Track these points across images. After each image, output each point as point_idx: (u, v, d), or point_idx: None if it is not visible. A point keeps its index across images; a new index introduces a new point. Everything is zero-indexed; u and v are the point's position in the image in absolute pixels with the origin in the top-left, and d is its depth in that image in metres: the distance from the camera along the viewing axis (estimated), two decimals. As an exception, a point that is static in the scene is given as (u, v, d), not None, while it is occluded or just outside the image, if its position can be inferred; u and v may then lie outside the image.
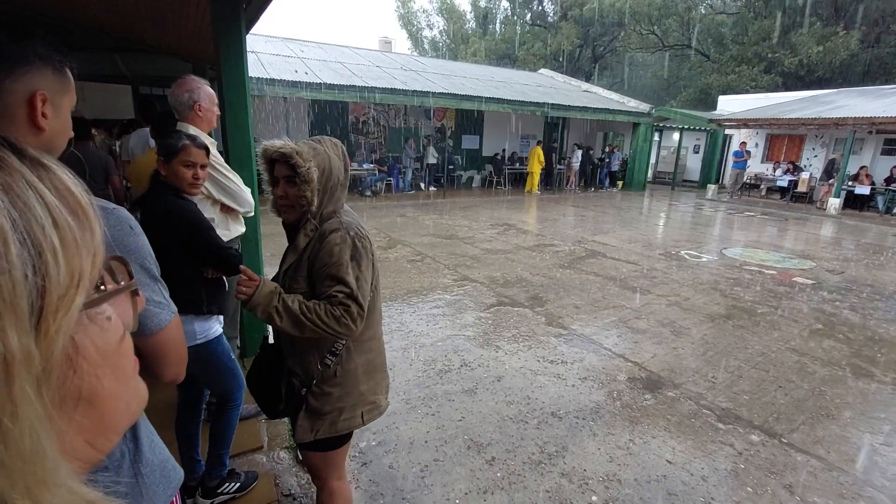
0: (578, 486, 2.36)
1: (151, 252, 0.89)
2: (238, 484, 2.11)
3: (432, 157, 13.90)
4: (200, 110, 2.39)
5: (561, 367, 3.57)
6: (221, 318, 2.00)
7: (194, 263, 1.85)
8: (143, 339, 0.86)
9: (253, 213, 2.84)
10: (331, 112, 12.86)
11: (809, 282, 6.06)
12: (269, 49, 11.54)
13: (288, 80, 9.68)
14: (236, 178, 2.47)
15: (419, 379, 3.31)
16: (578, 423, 2.88)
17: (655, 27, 27.91)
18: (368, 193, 12.34)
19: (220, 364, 1.95)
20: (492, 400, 3.08)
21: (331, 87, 10.20)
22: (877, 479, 2.51)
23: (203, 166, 1.87)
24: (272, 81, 9.50)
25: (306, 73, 10.37)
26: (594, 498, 2.28)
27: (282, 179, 1.42)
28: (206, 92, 2.39)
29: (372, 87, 10.70)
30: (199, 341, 1.85)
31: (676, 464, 2.55)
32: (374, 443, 2.61)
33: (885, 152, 13.07)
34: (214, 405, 2.05)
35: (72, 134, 0.93)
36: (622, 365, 3.66)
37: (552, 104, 13.22)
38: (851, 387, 3.47)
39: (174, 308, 0.92)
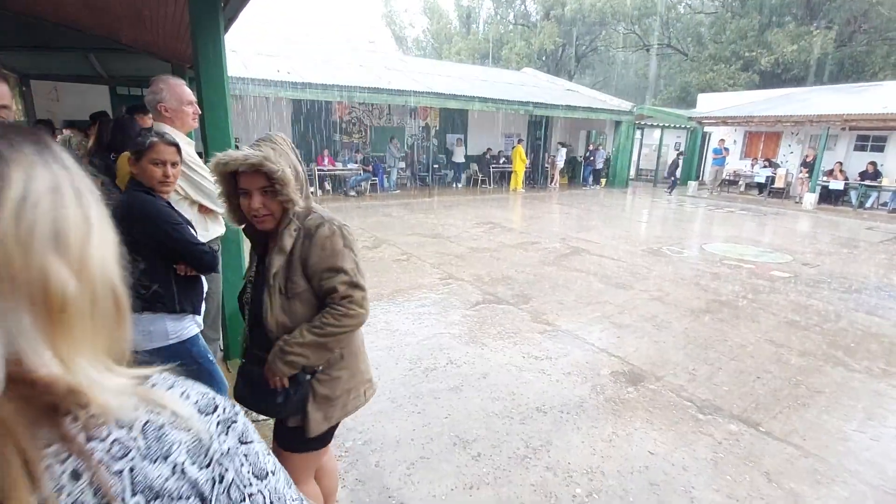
0: (563, 479, 2.39)
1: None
2: None
3: (461, 157, 14.55)
4: (166, 111, 2.41)
5: (545, 363, 3.61)
6: (199, 318, 1.98)
7: (165, 260, 1.82)
8: None
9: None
10: (314, 112, 12.76)
11: (787, 275, 6.21)
12: (250, 48, 11.40)
13: (269, 80, 9.59)
14: (211, 177, 2.45)
15: (405, 378, 3.32)
16: (563, 418, 2.91)
17: (636, 26, 28.28)
18: (353, 193, 12.29)
19: (197, 366, 1.92)
20: (477, 396, 3.10)
21: (313, 86, 10.13)
22: (850, 463, 2.59)
23: (174, 164, 1.85)
24: (253, 81, 9.40)
25: (288, 73, 10.27)
26: (578, 490, 2.32)
27: (255, 191, 1.36)
28: (173, 92, 2.40)
29: (356, 86, 10.65)
30: (171, 341, 1.83)
31: (658, 455, 2.60)
32: (360, 442, 2.61)
33: (858, 148, 13.44)
34: None
35: None
36: (605, 359, 3.72)
37: (536, 103, 13.31)
38: (826, 376, 3.57)
39: None
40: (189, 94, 2.49)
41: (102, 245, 0.44)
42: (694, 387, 3.33)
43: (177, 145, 1.86)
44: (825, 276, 6.25)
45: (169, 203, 1.88)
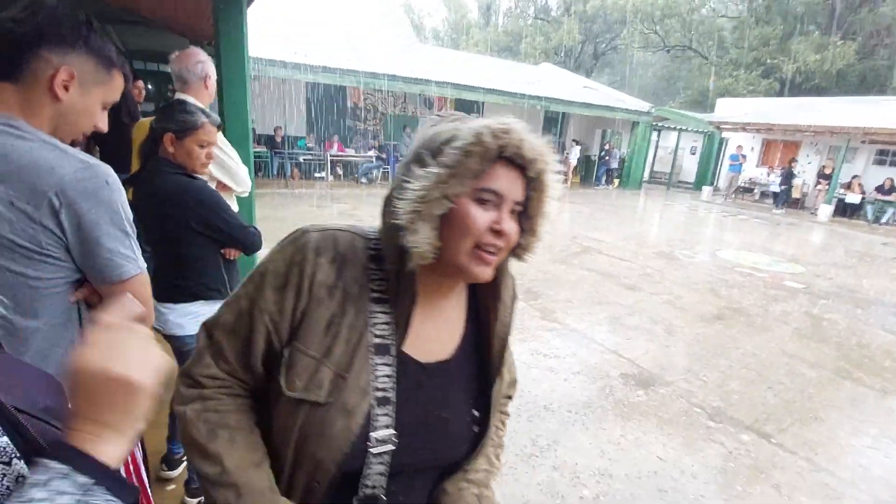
0: (570, 479, 2.35)
1: (126, 206, 0.98)
2: None
3: None
4: (208, 84, 2.32)
5: (554, 361, 3.57)
6: None
7: (213, 245, 1.74)
8: (104, 287, 0.96)
9: (248, 194, 2.79)
10: (328, 96, 12.70)
11: (800, 286, 6.12)
12: (268, 28, 11.33)
13: (285, 62, 9.52)
14: (235, 155, 2.40)
15: (412, 367, 3.29)
16: (570, 418, 2.88)
17: (657, 27, 27.87)
18: (364, 181, 12.24)
19: None
20: (485, 391, 3.07)
21: (330, 70, 10.06)
22: (861, 481, 2.54)
23: (212, 144, 1.75)
24: (271, 62, 9.34)
25: (306, 56, 10.20)
26: (585, 492, 2.28)
27: (512, 203, 0.69)
28: (213, 65, 2.33)
29: (372, 72, 10.56)
30: None
31: (667, 460, 2.56)
32: (365, 430, 2.58)
33: (877, 162, 13.21)
34: None
35: (97, 124, 1.02)
36: (615, 360, 3.67)
37: (554, 99, 13.17)
38: (839, 390, 3.51)
39: (142, 265, 1.00)
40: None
41: None
42: (705, 393, 3.28)
43: (220, 126, 1.78)
44: (839, 289, 6.15)
45: (206, 182, 1.81)
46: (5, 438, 0.40)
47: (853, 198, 12.47)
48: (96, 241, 0.92)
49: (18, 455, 0.40)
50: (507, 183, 0.67)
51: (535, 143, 0.68)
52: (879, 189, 12.29)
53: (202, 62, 2.22)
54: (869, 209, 12.34)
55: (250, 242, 1.78)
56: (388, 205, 0.71)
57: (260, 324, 0.70)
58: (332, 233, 0.74)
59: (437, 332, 0.77)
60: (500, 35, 33.85)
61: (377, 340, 0.70)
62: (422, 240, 0.65)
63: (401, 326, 0.71)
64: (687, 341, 4.15)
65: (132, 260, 0.97)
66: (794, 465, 2.62)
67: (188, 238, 1.66)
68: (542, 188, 0.70)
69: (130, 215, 0.99)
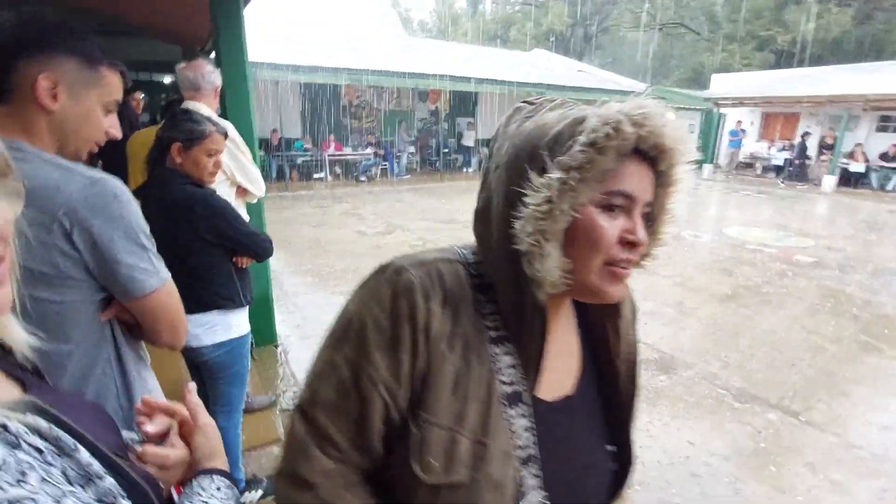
0: (602, 469, 2.33)
1: (140, 219, 0.94)
2: (261, 491, 2.04)
3: (471, 141, 14.36)
4: (217, 93, 2.36)
5: (573, 351, 3.54)
6: (247, 309, 1.90)
7: (225, 254, 1.72)
8: (130, 303, 0.94)
9: (262, 196, 2.79)
10: (322, 95, 12.60)
11: (810, 259, 6.08)
12: (258, 28, 11.22)
13: (278, 63, 9.42)
14: (249, 156, 2.39)
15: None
16: (596, 407, 2.85)
17: (648, 5, 27.60)
18: (363, 178, 12.18)
19: (235, 368, 1.83)
20: (507, 385, 3.05)
21: (323, 69, 9.97)
22: (894, 454, 2.51)
23: (219, 153, 1.72)
24: (261, 64, 9.24)
25: (298, 56, 10.09)
26: (619, 481, 2.26)
27: (640, 207, 0.56)
28: (217, 74, 2.35)
29: (365, 69, 10.46)
30: (233, 335, 1.75)
31: (697, 445, 2.54)
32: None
33: (880, 129, 13.09)
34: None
35: (108, 130, 0.99)
36: (634, 347, 3.64)
37: (549, 84, 13.07)
38: (862, 364, 3.48)
39: (165, 275, 0.98)
40: None
41: None
42: (727, 375, 3.26)
43: (226, 134, 1.75)
44: (850, 260, 6.10)
45: (214, 191, 1.79)
46: (111, 479, 0.44)
47: (857, 167, 12.37)
48: (113, 259, 0.89)
49: (123, 494, 0.45)
50: (637, 181, 0.55)
51: (677, 129, 0.54)
52: (883, 156, 12.19)
53: (214, 72, 2.29)
54: (874, 177, 12.24)
55: (262, 249, 1.77)
56: (485, 222, 0.59)
57: (374, 398, 0.57)
58: (432, 266, 0.60)
59: (557, 363, 0.64)
60: (488, 23, 33.57)
61: (507, 389, 0.58)
62: (552, 266, 0.53)
63: (531, 368, 0.59)
64: (703, 323, 4.12)
65: (153, 273, 0.94)
66: (825, 442, 2.60)
67: (199, 248, 1.64)
68: (672, 183, 0.59)
69: (146, 227, 0.96)
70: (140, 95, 5.50)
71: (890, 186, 12.00)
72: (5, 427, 0.37)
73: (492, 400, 0.57)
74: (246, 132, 2.91)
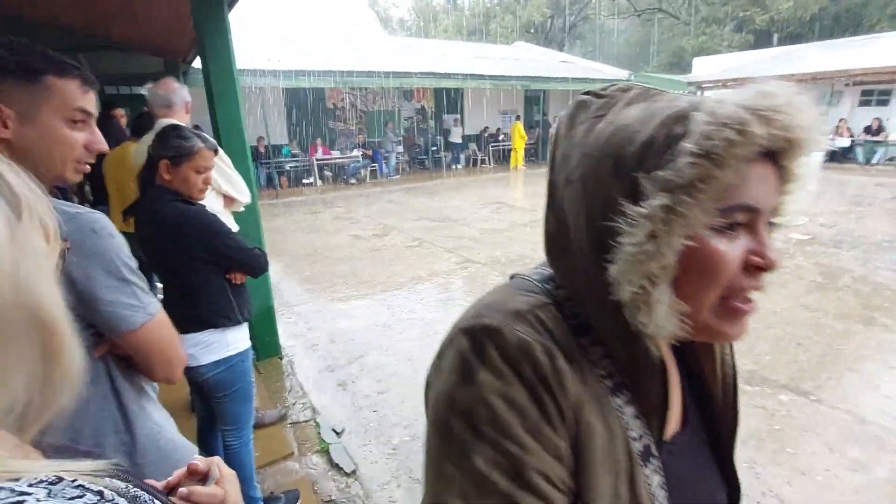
0: (622, 462, 2.32)
1: (121, 253, 0.89)
2: None
3: (458, 137, 14.39)
4: (188, 108, 2.38)
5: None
6: (247, 325, 1.86)
7: (218, 271, 1.69)
8: (118, 340, 0.91)
9: (246, 207, 2.76)
10: (307, 99, 12.49)
11: (806, 237, 6.13)
12: (238, 34, 11.08)
13: (261, 70, 9.31)
14: (230, 164, 2.37)
15: (440, 367, 3.23)
16: (609, 399, 2.84)
17: (626, -8, 27.67)
18: (353, 181, 12.10)
19: (240, 385, 1.79)
20: (518, 383, 3.02)
21: (307, 73, 9.87)
22: (909, 427, 2.53)
23: (209, 169, 1.69)
24: (243, 71, 9.12)
25: (279, 61, 9.98)
26: (640, 474, 2.25)
27: (765, 218, 0.45)
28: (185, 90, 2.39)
29: (349, 70, 10.38)
30: (230, 353, 1.72)
31: (714, 431, 2.53)
32: (406, 438, 2.53)
33: (863, 104, 13.24)
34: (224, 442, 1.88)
35: (89, 144, 0.92)
36: (640, 335, 3.64)
37: (533, 77, 13.05)
38: (868, 338, 3.51)
39: (153, 309, 0.93)
40: None
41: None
42: (736, 357, 3.25)
43: (216, 149, 1.71)
44: (844, 235, 6.16)
45: (204, 207, 1.75)
46: None
47: (842, 142, 12.51)
48: (92, 297, 0.85)
49: None
50: (762, 188, 0.42)
51: (812, 115, 0.42)
52: (867, 130, 12.33)
53: (182, 88, 2.34)
54: (859, 151, 12.38)
55: (256, 264, 1.74)
56: (565, 256, 0.50)
57: (553, 495, 0.43)
58: (530, 314, 0.47)
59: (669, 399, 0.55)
60: (468, 18, 33.46)
61: (639, 446, 0.48)
62: (664, 315, 0.42)
63: (655, 416, 0.49)
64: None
65: (138, 308, 0.90)
66: (839, 420, 2.60)
67: (192, 265, 1.62)
68: (796, 178, 0.45)
69: (130, 260, 0.91)
70: (121, 111, 5.39)
71: (875, 160, 12.15)
72: (101, 495, 0.36)
73: (633, 464, 0.47)
74: (237, 141, 2.87)
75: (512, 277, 0.58)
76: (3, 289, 0.34)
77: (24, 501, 0.31)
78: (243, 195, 2.40)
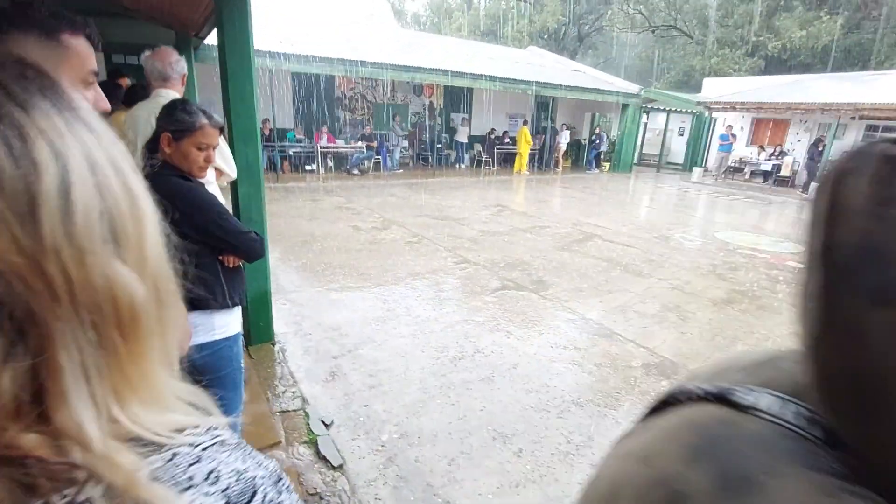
0: (610, 477, 2.30)
1: None
2: None
3: (465, 137, 14.37)
4: (184, 81, 2.40)
5: (575, 353, 3.52)
6: (239, 310, 1.82)
7: (210, 252, 1.63)
8: None
9: (247, 182, 2.77)
10: (316, 86, 12.40)
11: (803, 266, 6.15)
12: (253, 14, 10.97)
13: (272, 52, 9.22)
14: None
15: (433, 367, 3.21)
16: (600, 412, 2.83)
17: (642, 6, 27.69)
18: (356, 172, 12.03)
19: (227, 371, 1.75)
20: (510, 388, 3.00)
21: (317, 59, 9.79)
22: None
23: (214, 147, 1.63)
24: (256, 52, 9.03)
25: (292, 44, 9.89)
26: (628, 490, 2.23)
27: None
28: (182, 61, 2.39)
29: (361, 60, 10.30)
30: (216, 336, 1.67)
31: (703, 452, 2.52)
32: (395, 435, 2.51)
33: (866, 138, 13.30)
34: None
35: (93, 104, 0.86)
36: (634, 350, 3.63)
37: (545, 83, 13.03)
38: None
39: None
40: None
41: (154, 230, 0.36)
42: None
43: (222, 128, 1.67)
44: (841, 267, 6.19)
45: (203, 185, 1.71)
46: None
47: (842, 174, 12.58)
48: None
49: None
50: None
51: None
52: (868, 165, 12.40)
53: (180, 60, 2.33)
54: (858, 185, 12.45)
55: (250, 248, 1.68)
56: (878, 417, 0.30)
57: None
58: (792, 478, 0.32)
59: None
60: (482, 18, 33.37)
61: None
62: None
63: None
64: (702, 328, 4.13)
65: None
66: (828, 451, 2.61)
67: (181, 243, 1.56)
68: None
69: None
70: (128, 81, 5.31)
71: (874, 194, 12.22)
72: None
73: None
74: (249, 123, 2.82)
75: (677, 398, 0.40)
76: (163, 258, 0.36)
77: (220, 437, 0.37)
78: (232, 170, 2.38)
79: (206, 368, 1.68)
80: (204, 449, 0.36)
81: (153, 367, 0.34)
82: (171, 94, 2.28)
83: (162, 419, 0.34)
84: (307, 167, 11.85)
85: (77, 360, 0.29)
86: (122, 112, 2.88)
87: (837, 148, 12.90)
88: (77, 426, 0.28)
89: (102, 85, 3.04)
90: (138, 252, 0.33)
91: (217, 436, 0.37)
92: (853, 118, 12.41)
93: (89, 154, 0.31)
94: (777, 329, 4.15)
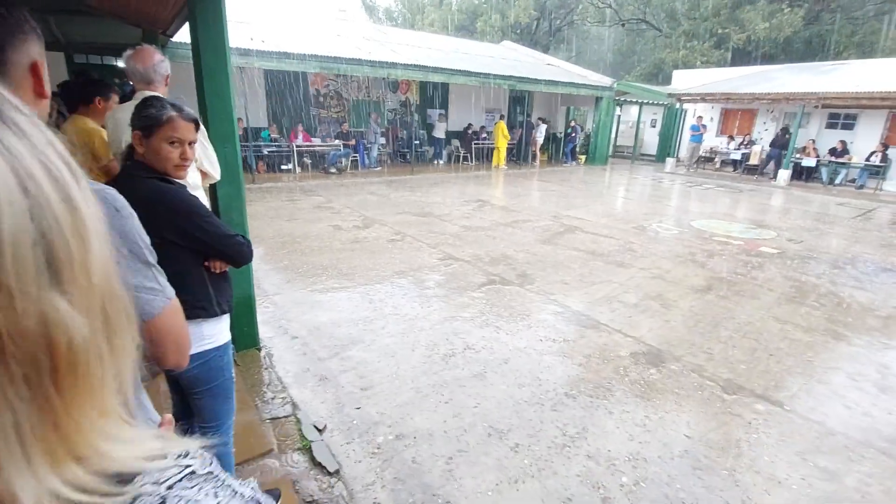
0: (606, 467, 2.33)
1: (143, 234, 0.86)
2: None
3: (442, 133, 14.22)
4: (167, 82, 2.29)
5: (563, 346, 3.54)
6: (228, 318, 1.75)
7: (195, 258, 1.56)
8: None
9: (231, 183, 2.68)
10: (289, 83, 12.15)
11: (775, 251, 6.34)
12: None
13: (243, 49, 8.98)
14: (205, 137, 2.28)
15: (425, 365, 3.19)
16: (593, 403, 2.85)
17: (611, 1, 28.05)
18: (334, 171, 11.85)
19: (220, 381, 1.68)
20: (503, 383, 3.00)
21: (290, 56, 9.58)
22: (874, 440, 2.63)
23: (191, 143, 1.53)
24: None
25: (263, 41, 9.66)
26: (624, 479, 2.26)
27: None
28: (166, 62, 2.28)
29: (335, 56, 10.14)
30: (206, 346, 1.60)
31: (694, 438, 2.57)
32: (391, 437, 2.48)
33: (829, 126, 13.84)
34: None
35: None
36: (622, 340, 3.68)
37: (520, 77, 13.07)
38: (833, 351, 3.65)
39: (170, 293, 0.90)
40: None
41: (102, 246, 0.31)
42: (713, 366, 3.33)
43: (196, 121, 1.58)
44: (811, 251, 6.41)
45: (184, 187, 1.63)
46: None
47: (809, 161, 13.04)
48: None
49: None
50: None
51: None
52: (832, 152, 12.89)
53: (164, 61, 2.24)
54: (823, 171, 12.94)
55: (238, 252, 1.61)
56: None
57: None
58: None
59: None
60: (455, 13, 33.27)
61: None
62: None
63: None
64: (684, 315, 4.21)
65: (158, 292, 0.87)
66: (811, 432, 2.69)
67: (164, 250, 1.49)
68: None
69: (147, 239, 0.87)
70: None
71: (838, 180, 12.72)
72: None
73: None
74: (227, 123, 2.73)
75: None
76: (112, 277, 0.32)
77: (189, 467, 0.35)
78: (216, 170, 2.30)
79: (197, 380, 1.62)
80: (169, 487, 0.32)
81: (97, 412, 0.31)
82: (156, 94, 2.14)
83: (115, 464, 0.31)
84: (283, 167, 11.62)
85: (9, 420, 0.25)
86: (81, 117, 2.66)
87: (803, 136, 13.35)
88: (11, 496, 0.25)
89: (66, 87, 2.88)
90: (83, 276, 0.29)
91: (186, 466, 0.35)
92: (816, 107, 12.84)
93: (20, 168, 0.26)
94: (755, 313, 4.26)
